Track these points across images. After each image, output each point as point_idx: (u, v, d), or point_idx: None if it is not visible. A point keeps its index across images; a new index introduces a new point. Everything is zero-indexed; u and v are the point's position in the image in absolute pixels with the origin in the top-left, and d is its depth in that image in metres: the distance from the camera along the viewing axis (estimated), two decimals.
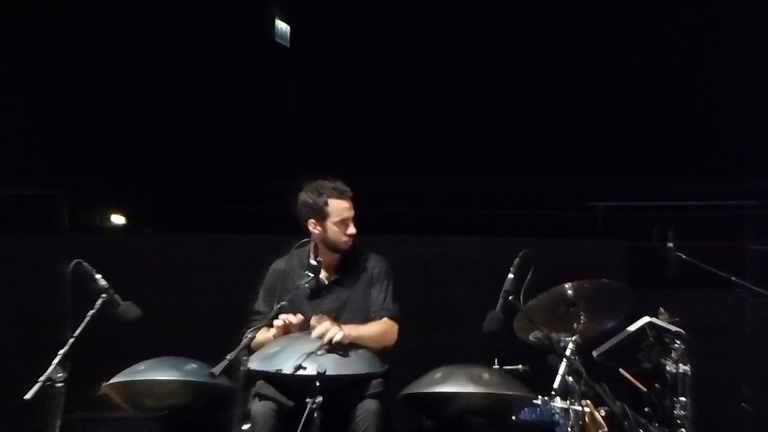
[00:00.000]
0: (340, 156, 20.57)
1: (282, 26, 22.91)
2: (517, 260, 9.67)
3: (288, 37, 23.02)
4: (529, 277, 9.65)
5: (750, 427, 12.36)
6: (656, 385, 10.63)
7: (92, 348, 9.63)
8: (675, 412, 10.42)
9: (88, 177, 18.32)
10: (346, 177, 10.61)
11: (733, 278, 11.86)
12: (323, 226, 10.01)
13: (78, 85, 19.09)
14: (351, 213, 10.09)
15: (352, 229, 10.03)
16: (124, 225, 19.65)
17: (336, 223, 9.96)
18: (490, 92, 23.29)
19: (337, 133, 22.45)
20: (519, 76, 23.53)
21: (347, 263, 10.17)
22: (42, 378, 9.01)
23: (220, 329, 10.26)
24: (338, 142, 22.09)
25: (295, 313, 9.75)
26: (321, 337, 9.35)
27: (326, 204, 9.98)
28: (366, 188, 10.96)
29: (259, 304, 10.09)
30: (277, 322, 9.66)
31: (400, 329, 9.97)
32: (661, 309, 10.75)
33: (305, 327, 9.69)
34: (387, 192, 19.35)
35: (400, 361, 9.98)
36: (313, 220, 10.01)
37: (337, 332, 9.37)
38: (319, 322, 9.54)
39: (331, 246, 10.06)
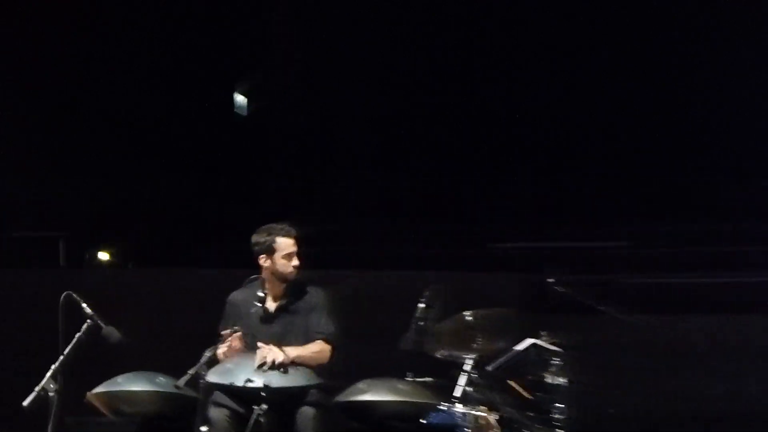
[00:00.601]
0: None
1: (240, 99, 22.11)
2: (427, 292, 10.40)
3: (245, 108, 22.25)
4: (437, 305, 10.37)
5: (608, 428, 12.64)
6: (538, 393, 10.83)
7: (87, 363, 9.85)
8: (553, 416, 10.68)
9: (80, 221, 18.29)
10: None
11: (600, 306, 12.13)
12: (272, 260, 10.41)
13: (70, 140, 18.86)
14: (295, 248, 10.48)
15: (296, 261, 10.42)
16: (109, 261, 19.58)
17: (283, 257, 10.38)
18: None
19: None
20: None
21: (292, 293, 10.52)
22: (37, 388, 9.25)
23: (189, 349, 10.28)
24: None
25: (247, 336, 10.17)
26: (266, 357, 9.86)
27: (274, 241, 10.41)
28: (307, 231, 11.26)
29: (221, 329, 10.31)
30: (222, 348, 10.01)
31: (333, 349, 10.34)
32: (542, 332, 10.92)
33: (256, 347, 10.08)
34: (324, 234, 19.53)
35: (342, 375, 10.43)
36: (263, 256, 10.43)
37: (278, 354, 9.88)
38: (268, 345, 9.96)
39: (279, 277, 10.46)
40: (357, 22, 21.41)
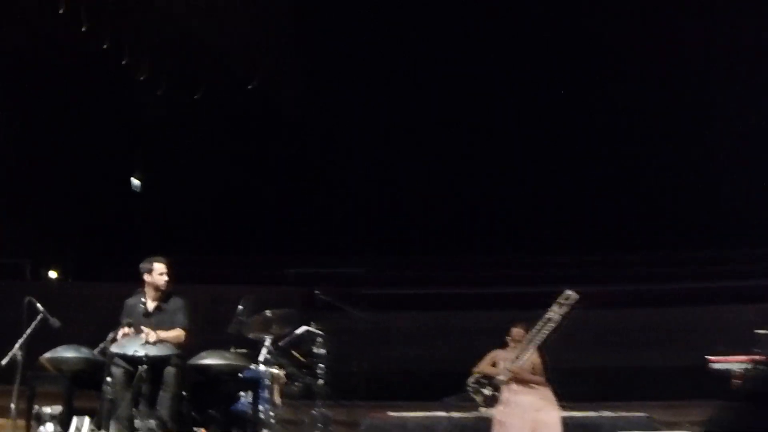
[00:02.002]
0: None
1: (135, 182, 22.30)
2: (242, 300, 11.67)
3: (140, 187, 22.28)
4: (249, 308, 11.59)
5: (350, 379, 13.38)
6: (309, 358, 11.91)
7: (44, 342, 10.91)
8: (318, 372, 11.77)
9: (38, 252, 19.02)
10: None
11: (345, 307, 13.19)
12: (151, 275, 11.19)
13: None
14: (165, 270, 11.25)
15: (165, 277, 11.21)
16: (57, 277, 20.21)
17: (158, 275, 11.20)
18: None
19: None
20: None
21: (164, 299, 11.28)
22: (9, 354, 10.48)
23: (101, 333, 11.01)
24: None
25: (135, 325, 10.85)
26: (146, 337, 10.64)
27: (153, 266, 11.22)
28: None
29: (122, 320, 11.01)
30: (122, 331, 10.79)
31: (187, 334, 11.05)
32: (312, 322, 12.03)
33: (140, 331, 10.76)
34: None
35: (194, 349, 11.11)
36: (146, 275, 11.21)
37: (153, 336, 10.70)
38: (148, 331, 10.74)
39: (155, 288, 11.21)
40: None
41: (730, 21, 20.74)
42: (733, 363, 10.07)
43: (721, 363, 10.20)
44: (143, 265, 11.41)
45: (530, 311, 12.80)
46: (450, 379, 13.16)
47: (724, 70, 21.23)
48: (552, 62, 22.13)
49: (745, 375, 9.86)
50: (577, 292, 11.74)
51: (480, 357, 12.18)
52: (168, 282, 11.38)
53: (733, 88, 21.25)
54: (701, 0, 21.00)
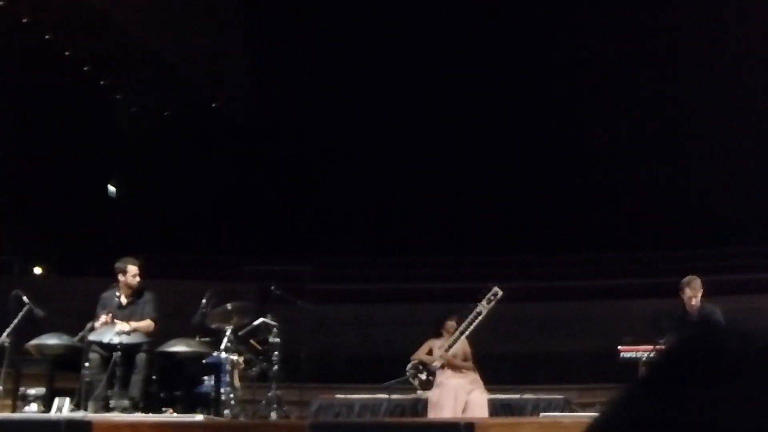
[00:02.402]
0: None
1: (111, 188, 22.39)
2: (207, 293, 11.76)
3: (114, 193, 22.43)
4: (211, 302, 11.69)
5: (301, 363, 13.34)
6: (265, 346, 12.03)
7: (30, 330, 11.17)
8: (274, 359, 11.84)
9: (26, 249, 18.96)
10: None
11: (296, 300, 13.52)
12: (125, 276, 11.30)
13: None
14: (137, 271, 11.39)
15: (138, 278, 11.35)
16: (42, 272, 20.19)
17: (132, 276, 11.34)
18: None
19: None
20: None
21: (136, 293, 11.41)
22: None
23: (80, 323, 11.26)
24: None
25: (111, 316, 10.95)
26: (121, 328, 10.75)
27: (127, 267, 11.35)
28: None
29: (98, 312, 11.13)
30: (101, 320, 10.92)
31: (156, 324, 11.21)
32: (268, 314, 12.14)
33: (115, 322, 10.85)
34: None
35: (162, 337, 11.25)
36: (120, 274, 11.33)
37: (126, 326, 10.83)
38: (121, 321, 10.88)
39: (129, 285, 11.33)
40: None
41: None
42: (641, 352, 10.41)
43: (630, 352, 10.55)
44: (118, 266, 11.54)
45: (459, 304, 13.09)
46: (385, 362, 13.69)
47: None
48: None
49: (647, 362, 10.21)
50: (501, 288, 12.04)
51: (416, 345, 12.51)
52: (140, 282, 11.54)
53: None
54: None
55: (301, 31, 22.52)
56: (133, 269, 11.49)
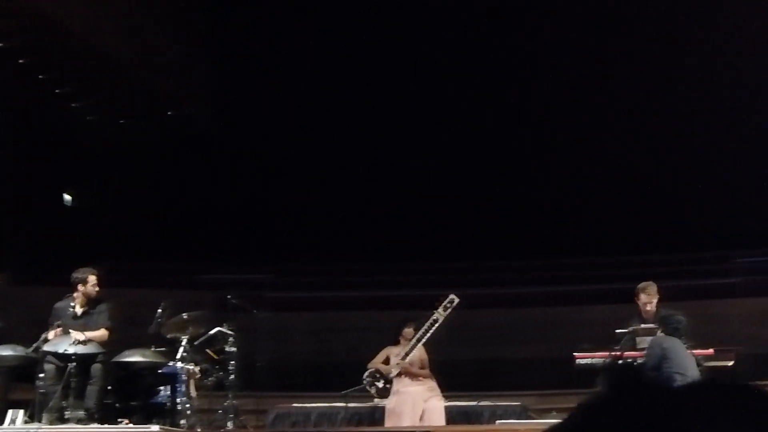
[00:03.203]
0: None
1: (67, 197, 22.30)
2: (162, 303, 11.72)
3: (70, 202, 22.36)
4: (167, 311, 11.65)
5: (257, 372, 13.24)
6: (222, 356, 12.06)
7: None
8: (230, 368, 11.92)
9: None
10: None
11: (252, 309, 13.50)
12: (85, 286, 11.36)
13: None
14: (96, 280, 11.46)
15: (97, 288, 11.43)
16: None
17: (91, 286, 11.40)
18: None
19: None
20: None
21: (92, 303, 11.48)
22: None
23: (36, 333, 11.26)
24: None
25: (65, 327, 11.04)
26: (76, 337, 10.77)
27: (86, 276, 11.41)
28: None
29: (51, 322, 11.17)
30: (54, 332, 11.00)
31: (111, 334, 11.34)
32: (224, 323, 12.18)
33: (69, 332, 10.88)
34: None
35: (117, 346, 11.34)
36: (80, 284, 11.38)
37: (81, 336, 10.86)
38: (76, 331, 10.94)
39: (87, 295, 11.39)
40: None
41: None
42: (597, 359, 10.44)
43: (586, 359, 10.58)
44: (77, 276, 11.58)
45: (416, 311, 13.10)
46: (342, 369, 13.75)
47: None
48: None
49: (602, 368, 10.26)
50: (458, 295, 12.06)
51: (374, 353, 12.51)
52: (98, 291, 11.59)
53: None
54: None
55: (262, 40, 22.40)
56: (92, 279, 11.54)
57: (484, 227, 21.20)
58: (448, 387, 12.43)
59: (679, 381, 8.81)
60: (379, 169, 21.87)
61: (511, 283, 19.79)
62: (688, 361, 9.25)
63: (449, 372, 13.02)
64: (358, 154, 21.80)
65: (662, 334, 9.48)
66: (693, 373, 9.26)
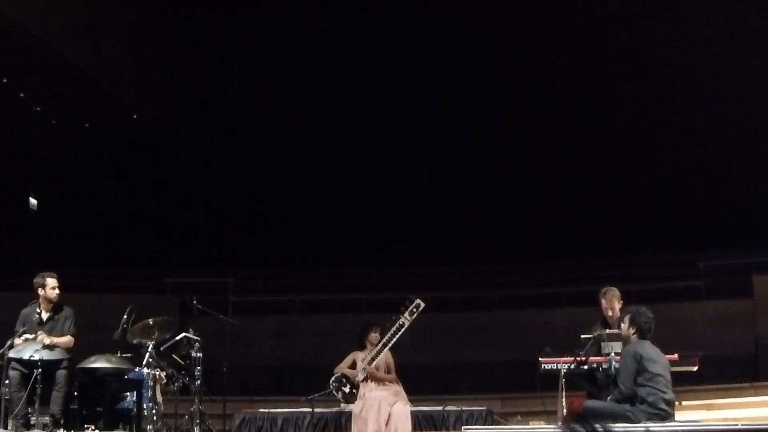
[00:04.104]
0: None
1: (32, 201, 22.12)
2: (128, 308, 11.51)
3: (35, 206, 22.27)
4: (132, 317, 11.49)
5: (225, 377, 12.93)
6: (187, 361, 11.89)
7: None
8: (196, 373, 11.78)
9: None
10: None
11: (218, 314, 13.28)
12: (44, 290, 11.30)
13: None
14: (56, 284, 11.38)
15: (57, 291, 11.34)
16: None
17: (51, 289, 11.32)
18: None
19: None
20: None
21: (56, 309, 11.40)
22: None
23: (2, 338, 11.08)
24: None
25: (30, 332, 10.97)
26: (41, 342, 10.74)
27: (46, 281, 11.31)
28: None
29: (17, 328, 11.16)
30: (17, 339, 10.93)
31: (76, 340, 11.26)
32: (190, 329, 12.04)
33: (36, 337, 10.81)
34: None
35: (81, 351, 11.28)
36: (40, 289, 11.32)
37: (47, 340, 10.85)
38: (42, 335, 10.88)
39: (47, 299, 11.32)
40: None
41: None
42: (561, 363, 10.47)
43: (550, 363, 10.62)
44: (37, 281, 11.53)
45: (380, 314, 13.10)
46: (305, 372, 14.38)
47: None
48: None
49: (567, 373, 10.30)
50: (422, 298, 12.01)
51: (339, 356, 12.48)
52: (58, 294, 11.50)
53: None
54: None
55: (220, 44, 22.37)
56: (52, 282, 11.47)
57: (445, 230, 21.25)
58: (413, 390, 12.41)
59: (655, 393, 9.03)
60: (341, 173, 21.89)
61: (473, 287, 19.80)
62: (662, 366, 9.24)
63: (413, 376, 13.08)
64: (315, 157, 21.80)
65: (634, 337, 9.43)
66: (667, 376, 9.24)
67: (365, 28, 21.71)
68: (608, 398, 9.41)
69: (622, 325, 9.60)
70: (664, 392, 9.08)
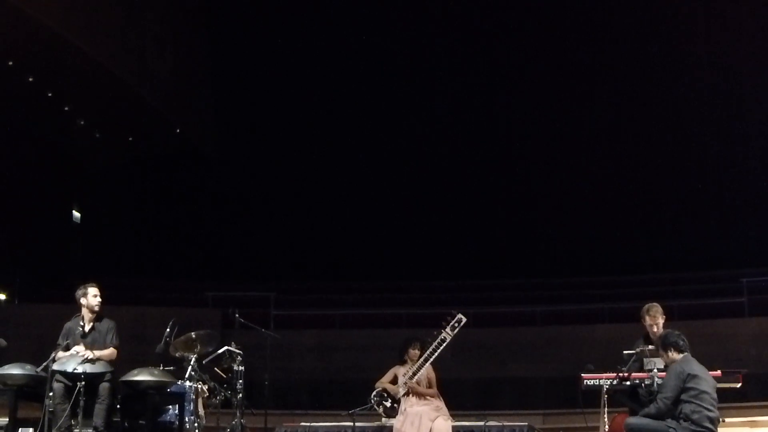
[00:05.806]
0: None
1: (76, 214, 22.21)
2: (171, 322, 11.65)
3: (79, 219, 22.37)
4: (176, 329, 11.61)
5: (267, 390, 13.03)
6: (229, 374, 11.96)
7: None
8: (238, 387, 11.83)
9: None
10: None
11: (261, 329, 13.26)
12: (86, 298, 11.31)
13: None
14: (98, 293, 11.42)
15: (99, 299, 11.35)
16: (5, 299, 19.76)
17: (93, 296, 11.35)
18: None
19: None
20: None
21: (98, 320, 11.41)
22: None
23: (45, 351, 11.09)
24: None
25: (74, 345, 11.02)
26: (84, 355, 10.81)
27: (86, 289, 11.37)
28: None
29: (60, 341, 11.09)
30: (60, 352, 10.92)
31: (119, 353, 11.21)
32: (233, 342, 12.09)
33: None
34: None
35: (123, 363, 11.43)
36: (82, 299, 11.34)
37: (89, 354, 10.90)
38: (86, 348, 10.96)
39: (90, 309, 11.34)
40: None
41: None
42: (603, 379, 10.42)
43: (592, 379, 10.57)
44: (79, 292, 11.56)
45: (421, 329, 13.10)
46: (345, 386, 14.31)
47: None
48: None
49: (609, 389, 10.25)
50: (464, 313, 11.95)
51: (379, 370, 12.47)
52: (101, 304, 11.52)
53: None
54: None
55: (264, 59, 22.48)
56: (93, 290, 11.54)
57: (487, 246, 21.16)
58: (454, 406, 12.31)
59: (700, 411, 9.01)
60: (382, 188, 21.92)
61: (516, 302, 19.72)
62: (709, 384, 9.22)
63: (454, 390, 12.95)
64: (361, 174, 21.81)
65: (676, 356, 9.39)
66: (713, 394, 9.24)
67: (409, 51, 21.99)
68: (640, 412, 9.39)
69: (661, 352, 9.62)
70: (710, 410, 9.07)
